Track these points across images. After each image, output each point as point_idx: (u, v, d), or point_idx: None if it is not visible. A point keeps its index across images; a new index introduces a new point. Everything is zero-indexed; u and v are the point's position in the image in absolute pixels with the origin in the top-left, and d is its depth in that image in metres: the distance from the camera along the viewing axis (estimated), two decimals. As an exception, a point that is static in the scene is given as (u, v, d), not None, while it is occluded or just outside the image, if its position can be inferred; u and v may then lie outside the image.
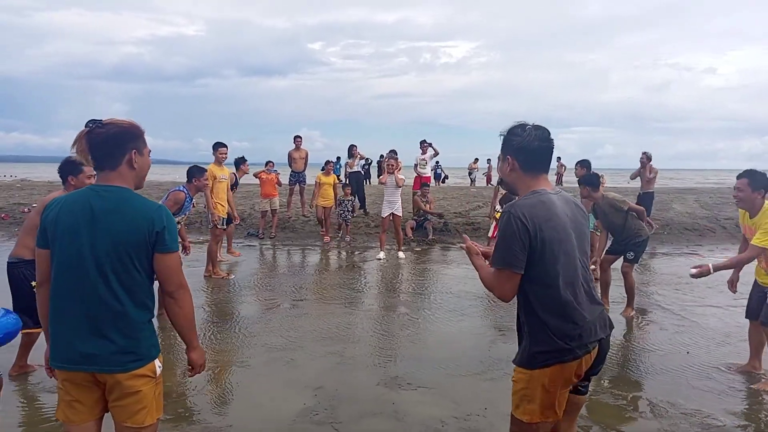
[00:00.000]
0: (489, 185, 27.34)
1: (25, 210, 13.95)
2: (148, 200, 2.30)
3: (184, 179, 6.63)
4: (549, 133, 2.38)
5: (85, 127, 2.21)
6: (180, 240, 6.64)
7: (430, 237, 11.92)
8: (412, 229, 12.05)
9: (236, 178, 9.86)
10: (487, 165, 30.41)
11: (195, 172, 6.47)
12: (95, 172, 2.30)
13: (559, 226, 2.28)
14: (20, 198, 16.40)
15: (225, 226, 8.53)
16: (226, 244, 9.83)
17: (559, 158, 23.98)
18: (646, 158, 11.38)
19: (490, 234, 10.07)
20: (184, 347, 2.43)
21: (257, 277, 8.49)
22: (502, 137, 2.45)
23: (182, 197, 6.16)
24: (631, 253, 6.41)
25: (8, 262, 4.28)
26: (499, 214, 9.98)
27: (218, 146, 8.45)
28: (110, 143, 2.21)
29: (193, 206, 12.22)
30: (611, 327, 2.46)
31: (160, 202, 6.54)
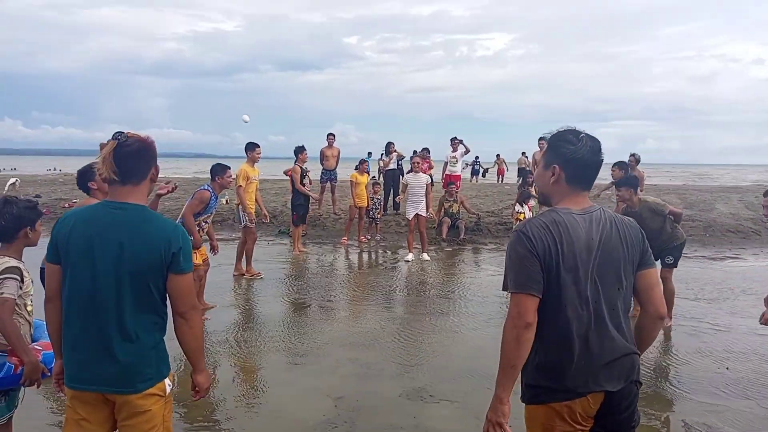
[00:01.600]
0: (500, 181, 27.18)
1: (66, 206, 14.30)
2: (164, 219, 2.29)
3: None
4: (600, 146, 2.12)
5: (113, 139, 2.20)
6: (208, 239, 6.70)
7: (462, 237, 11.73)
8: (448, 227, 11.83)
9: (302, 170, 10.02)
10: (496, 159, 29.98)
11: (218, 170, 6.44)
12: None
13: (573, 251, 2.01)
14: (62, 193, 16.84)
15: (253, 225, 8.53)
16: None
17: None
18: (635, 160, 10.84)
19: None
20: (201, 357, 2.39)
21: (286, 277, 8.50)
22: (544, 140, 2.24)
23: (207, 196, 6.17)
24: (670, 258, 6.14)
25: (41, 268, 4.32)
26: (522, 215, 9.71)
27: (254, 146, 8.34)
28: (138, 157, 2.21)
29: (226, 202, 12.31)
30: (633, 380, 2.09)
31: (186, 203, 6.45)
